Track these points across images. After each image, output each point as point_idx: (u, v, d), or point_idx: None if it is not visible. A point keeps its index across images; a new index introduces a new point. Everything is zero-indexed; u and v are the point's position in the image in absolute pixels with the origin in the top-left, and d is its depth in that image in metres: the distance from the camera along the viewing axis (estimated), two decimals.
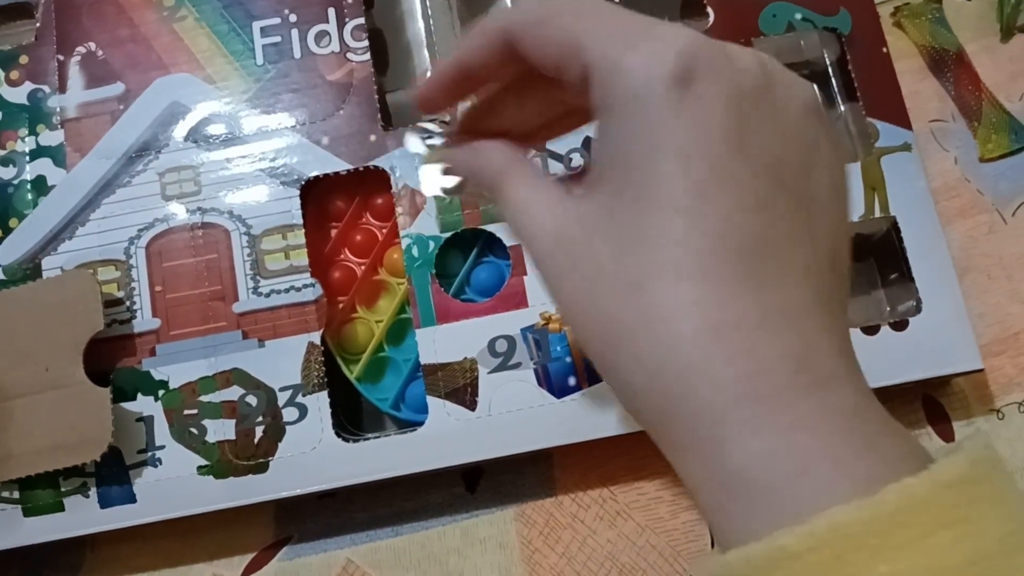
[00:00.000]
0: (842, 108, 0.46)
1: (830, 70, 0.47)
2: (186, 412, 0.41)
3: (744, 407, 0.22)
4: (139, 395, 0.42)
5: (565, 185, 0.26)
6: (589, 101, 0.23)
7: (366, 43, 0.45)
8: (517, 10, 0.25)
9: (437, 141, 0.30)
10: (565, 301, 0.24)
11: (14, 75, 0.46)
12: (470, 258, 0.44)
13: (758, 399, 0.22)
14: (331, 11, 0.46)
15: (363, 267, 0.45)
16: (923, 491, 0.20)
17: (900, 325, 0.41)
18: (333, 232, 0.46)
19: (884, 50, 0.45)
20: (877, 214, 0.42)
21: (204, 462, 0.41)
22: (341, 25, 0.46)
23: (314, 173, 0.44)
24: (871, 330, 0.41)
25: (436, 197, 0.43)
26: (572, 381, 0.41)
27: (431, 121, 0.30)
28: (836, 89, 0.47)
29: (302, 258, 0.43)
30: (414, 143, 0.30)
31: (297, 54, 0.45)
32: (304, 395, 0.41)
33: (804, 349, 0.22)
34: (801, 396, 0.22)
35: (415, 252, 0.43)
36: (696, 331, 0.22)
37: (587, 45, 0.23)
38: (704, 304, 0.22)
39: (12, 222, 0.44)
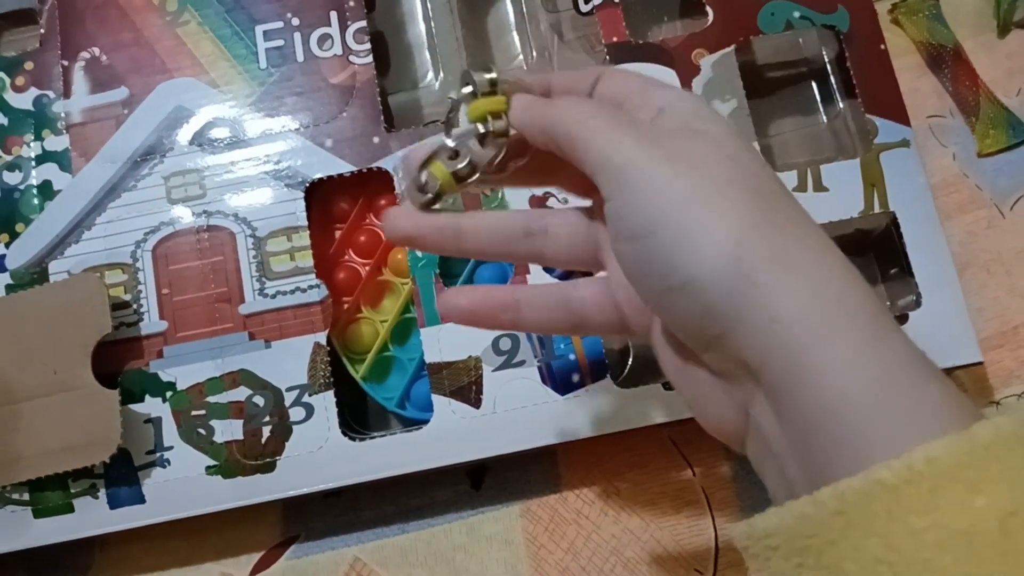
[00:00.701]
0: (841, 105, 0.47)
1: (828, 68, 0.47)
2: (194, 413, 0.42)
3: (841, 335, 0.22)
4: (147, 397, 0.42)
5: None
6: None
7: (368, 46, 0.46)
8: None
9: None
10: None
11: (19, 81, 0.46)
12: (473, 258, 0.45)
13: (856, 328, 0.23)
14: (333, 14, 0.46)
15: (368, 268, 0.46)
16: (1013, 428, 0.21)
17: (900, 320, 0.41)
18: (337, 233, 0.46)
19: (882, 47, 0.45)
20: (876, 210, 0.43)
21: (212, 462, 0.41)
22: (343, 28, 0.46)
23: (318, 175, 0.44)
24: None
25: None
26: (576, 378, 0.41)
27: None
28: (835, 86, 0.47)
29: (307, 259, 0.43)
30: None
31: (300, 57, 0.46)
32: (310, 395, 0.42)
33: (871, 290, 0.24)
34: (889, 333, 0.23)
35: (419, 252, 0.43)
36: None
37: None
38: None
39: (19, 227, 0.44)
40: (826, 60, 0.47)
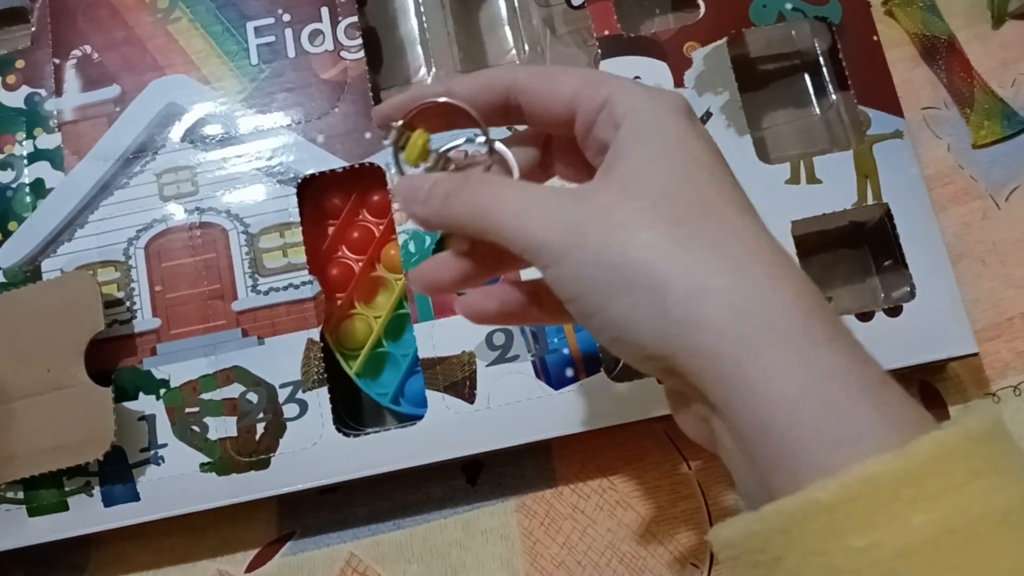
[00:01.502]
0: (834, 97, 0.47)
1: (821, 59, 0.47)
2: (188, 410, 0.42)
3: (772, 346, 0.23)
4: (141, 394, 0.42)
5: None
6: (595, 125, 0.27)
7: (359, 41, 0.46)
8: (526, 67, 0.29)
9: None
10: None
11: (11, 79, 0.46)
12: None
13: (784, 342, 0.23)
14: (324, 10, 0.46)
15: (361, 263, 0.46)
16: (954, 442, 0.21)
17: (894, 311, 0.41)
18: (330, 229, 0.46)
19: (875, 38, 0.45)
20: (870, 201, 0.43)
21: (206, 459, 0.41)
22: (334, 23, 0.46)
23: (310, 171, 0.44)
24: (866, 316, 0.41)
25: None
26: (570, 372, 0.41)
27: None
28: (827, 78, 0.47)
29: (300, 256, 0.43)
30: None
31: (291, 53, 0.46)
32: (304, 391, 0.42)
33: (811, 297, 0.24)
34: (824, 340, 0.23)
35: (412, 247, 0.43)
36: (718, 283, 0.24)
37: (609, 82, 0.27)
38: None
39: (11, 225, 0.44)
40: (818, 52, 0.47)
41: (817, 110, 0.48)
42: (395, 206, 0.43)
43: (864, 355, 0.23)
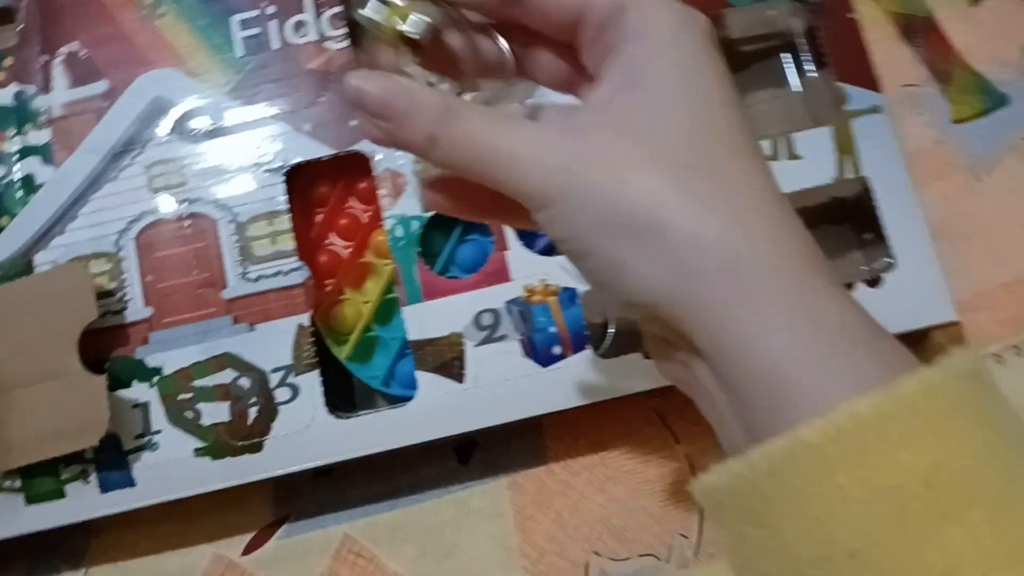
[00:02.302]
0: (813, 75, 0.47)
1: (800, 39, 0.48)
2: (181, 397, 0.42)
3: (769, 297, 0.23)
4: (134, 382, 0.43)
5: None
6: (606, 29, 0.25)
7: (344, 31, 0.46)
8: None
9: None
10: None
11: (0, 77, 0.47)
12: (454, 236, 0.45)
13: (781, 291, 0.23)
14: (308, 1, 0.47)
15: (349, 250, 0.46)
16: (939, 381, 0.21)
17: (875, 282, 0.42)
18: (318, 217, 0.47)
19: (850, 16, 0.46)
20: (850, 176, 0.43)
21: (200, 444, 0.42)
22: (318, 14, 0.46)
23: (297, 160, 0.44)
24: (847, 289, 0.42)
25: (417, 177, 0.44)
26: (557, 350, 0.42)
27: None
28: (806, 57, 0.47)
29: (288, 243, 0.44)
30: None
31: (276, 45, 0.46)
32: (295, 375, 0.42)
33: (808, 248, 0.24)
34: (819, 289, 0.23)
35: (399, 233, 0.44)
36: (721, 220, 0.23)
37: None
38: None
39: (3, 220, 0.45)
40: (798, 31, 0.48)
41: (797, 88, 0.48)
42: (381, 192, 0.44)
43: (857, 305, 0.23)
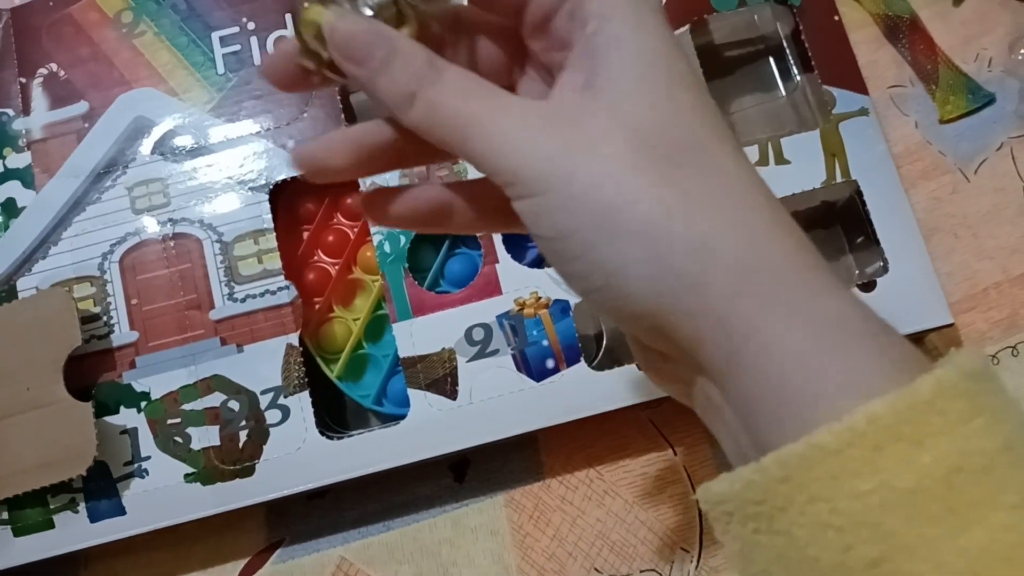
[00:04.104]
0: (798, 79, 0.47)
1: (784, 43, 0.48)
2: (169, 421, 0.42)
3: (779, 302, 0.22)
4: (122, 408, 0.42)
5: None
6: (556, 16, 0.24)
7: None
8: None
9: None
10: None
11: None
12: (442, 250, 0.45)
13: (787, 297, 0.22)
14: (288, 16, 0.46)
15: (337, 267, 0.46)
16: (953, 380, 0.20)
17: (868, 286, 0.42)
18: (305, 234, 0.46)
19: (836, 18, 0.46)
20: (839, 179, 0.43)
21: (190, 470, 0.41)
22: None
23: (282, 177, 0.44)
24: None
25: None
26: (550, 364, 0.41)
27: None
28: (792, 61, 0.47)
29: (275, 262, 0.43)
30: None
31: (257, 61, 0.46)
32: (286, 396, 0.41)
33: (807, 246, 0.23)
34: (823, 290, 0.22)
35: (387, 248, 0.43)
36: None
37: None
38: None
39: None
40: (782, 35, 0.48)
41: (783, 92, 0.48)
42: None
43: (862, 303, 0.23)
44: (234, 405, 0.42)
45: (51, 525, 0.41)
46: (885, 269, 0.42)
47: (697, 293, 0.22)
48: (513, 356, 0.41)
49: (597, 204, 0.22)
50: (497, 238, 0.43)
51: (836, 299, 0.22)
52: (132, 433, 0.42)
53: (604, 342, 0.43)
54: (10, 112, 0.46)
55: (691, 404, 0.26)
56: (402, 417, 0.41)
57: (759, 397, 0.22)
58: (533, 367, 0.41)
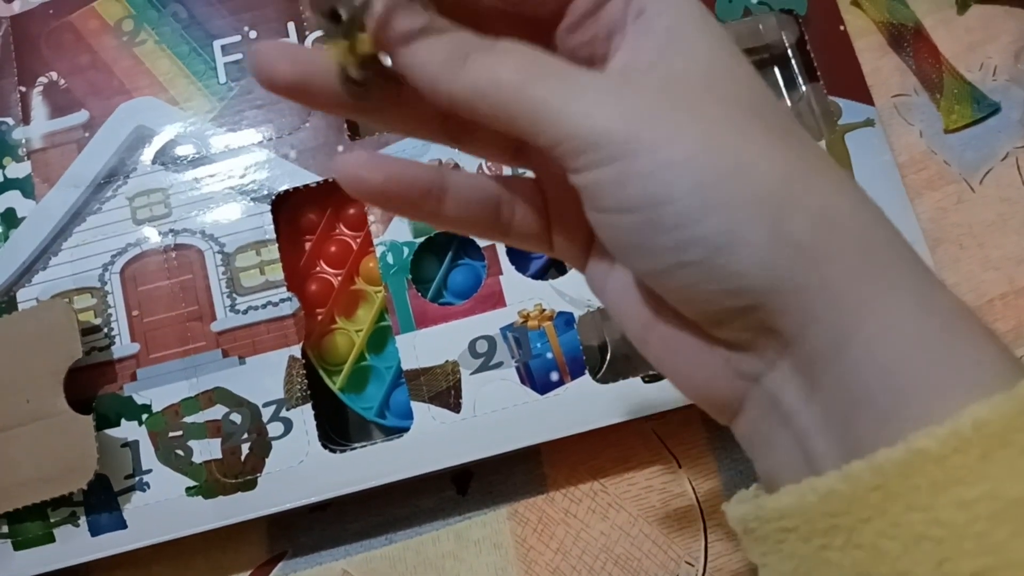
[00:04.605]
0: (803, 89, 0.47)
1: (789, 52, 0.47)
2: (171, 434, 0.41)
3: (894, 296, 0.20)
4: (123, 420, 0.42)
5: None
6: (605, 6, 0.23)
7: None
8: None
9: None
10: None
11: None
12: (445, 261, 0.44)
13: (906, 286, 0.20)
14: (291, 25, 0.46)
15: (339, 278, 0.45)
16: None
17: None
18: (307, 245, 0.46)
19: (842, 28, 0.45)
20: None
21: (192, 483, 0.41)
22: (301, 38, 0.46)
23: (284, 187, 0.44)
24: None
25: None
26: (555, 376, 0.41)
27: None
28: (797, 70, 0.47)
29: (277, 273, 0.43)
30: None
31: None
32: (288, 409, 0.41)
33: (900, 233, 0.21)
34: (934, 284, 0.20)
35: (390, 259, 0.43)
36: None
37: None
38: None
39: None
40: (787, 44, 0.47)
41: (788, 103, 0.48)
42: (371, 217, 0.43)
43: (959, 299, 0.21)
44: (236, 418, 0.41)
45: (51, 539, 0.41)
46: None
47: (817, 267, 0.20)
48: (517, 369, 0.41)
49: (707, 169, 0.20)
50: (501, 250, 0.42)
51: (946, 292, 0.21)
52: (133, 446, 0.41)
53: (608, 355, 0.43)
54: (10, 121, 0.46)
55: (727, 415, 0.24)
56: (405, 430, 0.41)
57: (864, 392, 0.20)
58: (537, 380, 0.41)
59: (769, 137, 0.21)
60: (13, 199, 0.44)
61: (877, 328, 0.20)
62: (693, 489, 0.43)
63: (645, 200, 0.20)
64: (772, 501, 0.21)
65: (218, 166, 0.44)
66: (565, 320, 0.42)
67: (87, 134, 0.45)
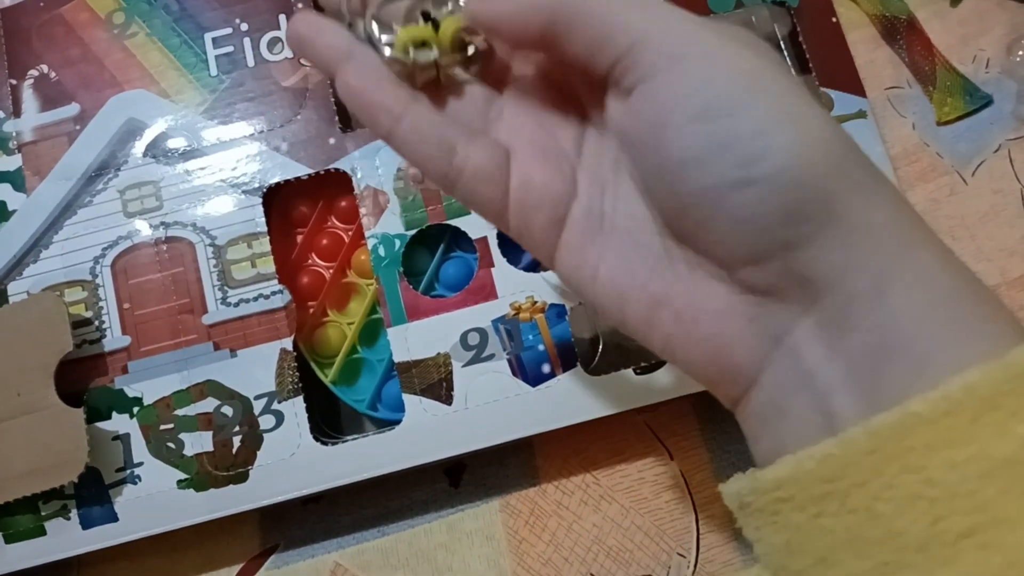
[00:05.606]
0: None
1: (782, 44, 0.47)
2: (162, 427, 0.41)
3: (927, 245, 0.21)
4: (114, 413, 0.41)
5: None
6: (622, 67, 0.23)
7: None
8: None
9: None
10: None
11: None
12: (437, 254, 0.44)
13: (934, 239, 0.21)
14: (282, 17, 0.46)
15: (331, 270, 0.45)
16: None
17: None
18: (299, 238, 0.46)
19: (833, 19, 0.45)
20: None
21: (183, 476, 0.41)
22: None
23: (275, 180, 0.43)
24: None
25: (398, 195, 0.43)
26: (546, 369, 0.41)
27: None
28: (789, 62, 0.47)
29: (269, 265, 0.43)
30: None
31: (251, 62, 0.45)
32: (280, 401, 0.41)
33: (901, 199, 0.22)
34: (946, 248, 0.21)
35: (382, 252, 0.43)
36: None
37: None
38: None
39: None
40: (779, 36, 0.47)
41: None
42: (363, 210, 0.43)
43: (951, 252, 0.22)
44: (227, 410, 0.41)
45: (43, 532, 0.41)
46: None
47: (868, 206, 0.21)
48: (509, 361, 0.41)
49: (773, 88, 0.22)
50: (493, 242, 0.42)
51: (945, 248, 0.22)
52: (124, 439, 0.41)
53: (600, 346, 0.43)
54: (0, 114, 0.45)
55: (738, 390, 0.24)
56: (397, 422, 0.41)
57: (904, 333, 0.20)
58: (529, 372, 0.41)
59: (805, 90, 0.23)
60: (4, 192, 0.44)
61: (915, 276, 0.21)
62: (685, 481, 0.43)
63: (712, 109, 0.21)
64: (768, 472, 0.22)
65: (209, 159, 0.44)
66: (557, 312, 0.41)
67: (78, 127, 0.45)
